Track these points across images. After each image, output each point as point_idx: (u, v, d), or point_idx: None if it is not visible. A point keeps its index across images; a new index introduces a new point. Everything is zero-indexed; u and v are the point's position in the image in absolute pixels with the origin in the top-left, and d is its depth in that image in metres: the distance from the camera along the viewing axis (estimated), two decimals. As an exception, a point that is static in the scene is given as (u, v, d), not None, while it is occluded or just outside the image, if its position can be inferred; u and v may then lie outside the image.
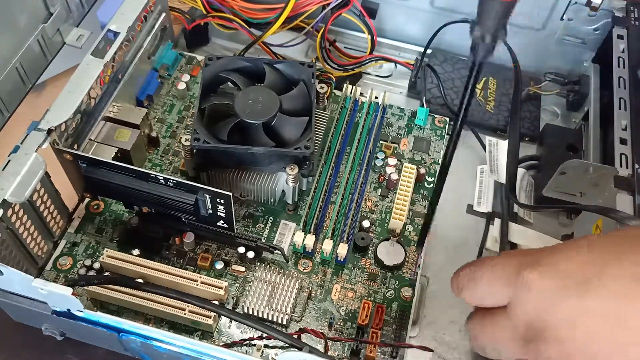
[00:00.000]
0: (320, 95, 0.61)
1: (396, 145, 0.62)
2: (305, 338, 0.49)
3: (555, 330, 0.28)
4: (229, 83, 0.57)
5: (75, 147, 0.53)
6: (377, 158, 0.61)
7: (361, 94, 0.64)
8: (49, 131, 0.48)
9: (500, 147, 0.61)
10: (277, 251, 0.53)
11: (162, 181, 0.49)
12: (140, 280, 0.49)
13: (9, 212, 0.46)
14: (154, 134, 0.59)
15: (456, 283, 0.37)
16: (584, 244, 0.30)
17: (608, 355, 0.26)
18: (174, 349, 0.43)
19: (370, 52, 0.67)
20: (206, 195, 0.48)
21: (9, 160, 0.46)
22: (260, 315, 0.50)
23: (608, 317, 0.26)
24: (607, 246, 0.29)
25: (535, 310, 0.30)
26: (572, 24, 0.64)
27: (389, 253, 0.54)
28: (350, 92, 0.63)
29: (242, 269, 0.53)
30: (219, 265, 0.53)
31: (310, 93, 0.56)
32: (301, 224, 0.55)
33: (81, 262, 0.53)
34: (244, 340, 0.49)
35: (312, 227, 0.55)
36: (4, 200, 0.44)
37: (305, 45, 0.69)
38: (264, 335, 0.48)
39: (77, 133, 0.53)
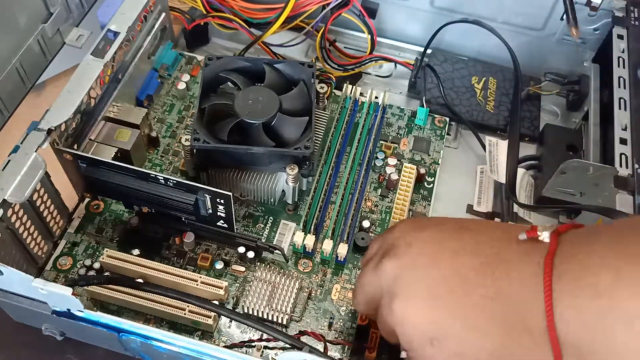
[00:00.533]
0: (320, 95, 0.61)
1: (396, 145, 0.62)
2: (305, 339, 0.49)
3: (397, 248, 0.39)
4: (229, 83, 0.57)
5: (75, 147, 0.53)
6: (377, 158, 0.61)
7: (361, 94, 0.64)
8: (49, 131, 0.48)
9: (500, 147, 0.61)
10: (277, 251, 0.53)
11: (162, 181, 0.49)
12: (140, 280, 0.49)
13: (9, 212, 0.46)
14: (154, 134, 0.59)
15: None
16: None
17: (427, 260, 0.37)
18: (174, 349, 0.43)
19: (370, 52, 0.67)
20: (206, 195, 0.48)
21: (9, 160, 0.46)
22: (260, 315, 0.50)
23: (429, 242, 0.38)
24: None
25: (391, 240, 0.40)
26: (572, 24, 0.64)
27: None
28: (350, 92, 0.63)
29: (242, 269, 0.53)
30: (219, 265, 0.53)
31: (310, 93, 0.56)
32: (301, 224, 0.55)
33: (81, 262, 0.53)
34: (244, 342, 0.49)
35: (312, 227, 0.55)
36: (4, 200, 0.44)
37: (305, 45, 0.69)
38: (264, 336, 0.48)
39: (77, 133, 0.53)
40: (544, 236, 0.34)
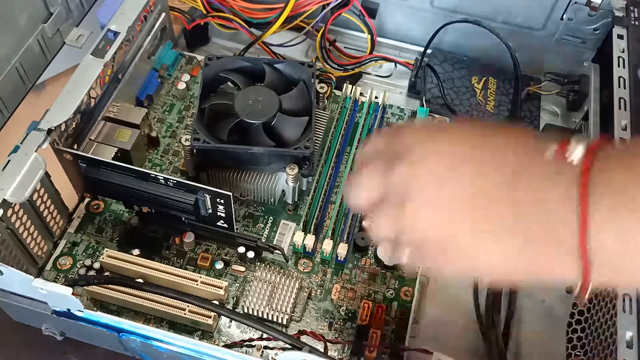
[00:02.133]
0: (320, 95, 0.61)
1: (396, 145, 0.62)
2: (304, 339, 0.49)
3: (412, 153, 0.35)
4: (229, 83, 0.57)
5: (75, 147, 0.53)
6: (377, 158, 0.61)
7: (361, 94, 0.64)
8: (49, 131, 0.48)
9: (500, 147, 0.60)
10: (277, 251, 0.53)
11: (162, 181, 0.49)
12: (140, 280, 0.49)
13: (9, 212, 0.46)
14: (154, 134, 0.59)
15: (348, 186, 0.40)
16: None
17: (447, 171, 0.35)
18: (174, 349, 0.43)
19: (370, 52, 0.67)
20: (206, 195, 0.48)
21: (9, 160, 0.46)
22: (260, 315, 0.50)
23: (447, 154, 0.35)
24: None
25: (403, 146, 0.36)
26: (572, 24, 0.64)
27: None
28: (350, 92, 0.63)
29: (242, 268, 0.53)
30: (219, 265, 0.53)
31: (310, 93, 0.56)
32: (301, 224, 0.55)
33: (81, 262, 0.53)
34: (244, 341, 0.49)
35: (312, 227, 0.55)
36: (4, 200, 0.44)
37: (305, 45, 0.69)
38: (264, 335, 0.48)
39: (77, 133, 0.53)
40: (577, 153, 0.32)
